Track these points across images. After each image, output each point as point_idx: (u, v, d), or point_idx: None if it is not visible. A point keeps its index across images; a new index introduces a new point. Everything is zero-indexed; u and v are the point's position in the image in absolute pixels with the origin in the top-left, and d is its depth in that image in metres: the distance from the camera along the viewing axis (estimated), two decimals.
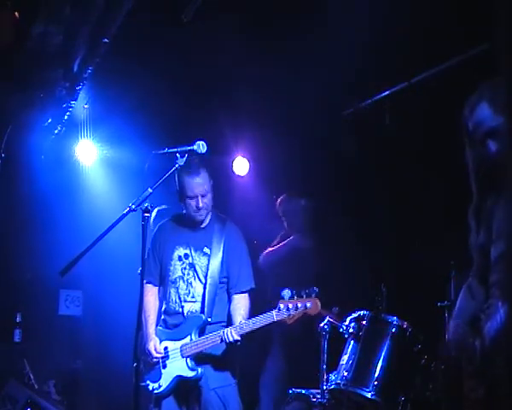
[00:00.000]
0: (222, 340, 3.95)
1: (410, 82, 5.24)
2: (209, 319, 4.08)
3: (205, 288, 4.12)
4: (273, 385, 5.44)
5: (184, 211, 4.25)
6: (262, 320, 3.92)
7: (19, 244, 6.68)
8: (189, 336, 4.05)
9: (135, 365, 3.59)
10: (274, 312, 3.88)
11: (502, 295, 2.14)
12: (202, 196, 4.10)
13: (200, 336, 4.04)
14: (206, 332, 4.06)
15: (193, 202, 4.12)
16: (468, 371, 2.29)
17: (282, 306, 3.87)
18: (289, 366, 5.52)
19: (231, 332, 3.91)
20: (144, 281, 4.14)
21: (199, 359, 4.04)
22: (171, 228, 4.35)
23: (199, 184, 4.09)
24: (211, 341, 3.99)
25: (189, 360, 4.02)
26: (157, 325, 4.23)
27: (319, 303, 3.89)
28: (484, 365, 2.18)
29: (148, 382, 4.07)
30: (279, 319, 3.87)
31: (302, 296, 3.87)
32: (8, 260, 6.55)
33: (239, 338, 3.92)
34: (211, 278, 4.12)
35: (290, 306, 3.86)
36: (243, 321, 3.99)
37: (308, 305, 3.86)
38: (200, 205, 4.11)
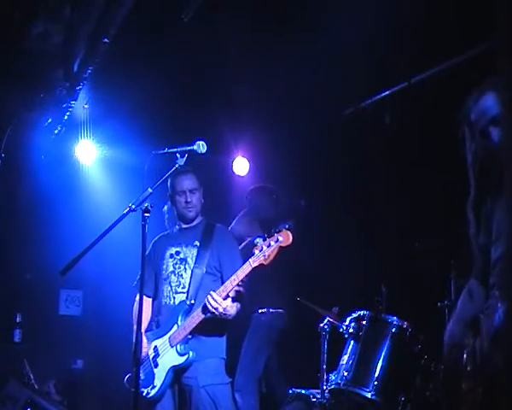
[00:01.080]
0: (206, 311, 3.92)
1: (410, 82, 5.24)
2: (192, 302, 4.06)
3: (192, 273, 4.14)
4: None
5: (175, 212, 4.36)
6: (240, 272, 3.92)
7: (19, 244, 6.69)
8: (175, 324, 4.05)
9: (130, 374, 3.63)
10: (250, 259, 3.90)
11: (501, 295, 2.15)
12: (190, 192, 4.23)
13: (185, 319, 4.03)
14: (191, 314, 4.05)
15: (182, 198, 4.25)
16: (466, 371, 2.29)
17: (256, 251, 3.90)
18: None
19: (214, 294, 3.91)
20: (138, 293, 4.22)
21: (188, 346, 4.03)
22: (163, 239, 4.45)
23: (186, 181, 4.24)
24: (196, 317, 3.97)
25: (178, 346, 4.01)
26: (147, 331, 4.22)
27: (290, 234, 3.92)
28: (483, 364, 2.18)
29: (142, 389, 4.01)
30: (256, 263, 3.89)
31: (273, 234, 3.92)
32: (8, 259, 6.55)
33: (221, 299, 3.90)
34: (198, 263, 4.15)
35: (264, 247, 3.89)
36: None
37: (280, 238, 3.90)
38: (189, 200, 4.23)
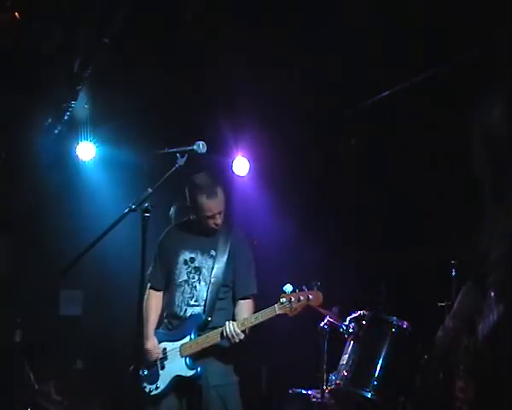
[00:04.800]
0: (222, 337, 3.94)
1: (410, 82, 5.24)
2: (209, 319, 4.07)
3: (208, 288, 4.12)
4: None
5: (193, 217, 4.27)
6: (264, 314, 3.92)
7: (19, 244, 6.69)
8: (188, 336, 4.05)
9: (133, 367, 3.65)
10: (276, 305, 3.89)
11: (496, 296, 2.16)
12: (219, 214, 4.16)
13: (199, 335, 4.04)
14: (206, 332, 4.06)
15: (211, 221, 4.16)
16: (459, 371, 2.31)
17: (284, 299, 3.87)
18: None
19: (233, 325, 3.92)
20: (148, 285, 4.26)
21: (199, 356, 4.03)
22: (176, 234, 4.37)
23: (218, 204, 4.14)
24: (211, 339, 3.99)
25: (187, 358, 4.02)
26: (158, 328, 4.24)
27: (321, 295, 3.90)
28: (475, 363, 2.20)
29: (145, 384, 4.05)
30: (281, 312, 3.88)
31: (304, 290, 3.89)
32: (8, 259, 6.55)
33: (239, 332, 3.91)
34: (214, 277, 4.13)
35: (292, 299, 3.86)
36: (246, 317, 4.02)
37: (310, 297, 3.87)
38: (218, 222, 4.17)
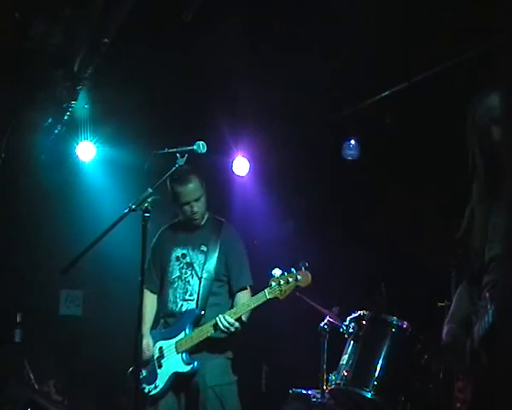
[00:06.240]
0: (216, 328, 3.96)
1: (410, 82, 5.24)
2: (202, 312, 4.08)
3: (200, 282, 4.15)
4: None
5: (180, 216, 4.33)
6: (255, 300, 3.96)
7: (19, 244, 6.69)
8: (183, 332, 4.07)
9: (132, 368, 3.66)
10: (266, 290, 3.92)
11: (491, 296, 2.16)
12: (195, 201, 4.19)
13: (194, 330, 4.05)
14: (201, 327, 4.06)
15: (188, 208, 4.21)
16: (457, 372, 2.31)
17: (273, 283, 3.90)
18: None
19: (225, 316, 3.94)
20: (144, 286, 4.25)
21: (195, 352, 4.04)
22: (168, 234, 4.42)
23: (191, 191, 4.18)
24: (205, 332, 4.01)
25: (184, 354, 4.03)
26: (155, 329, 4.24)
27: (310, 275, 3.93)
28: (472, 364, 2.20)
29: (143, 385, 4.06)
30: (271, 296, 3.91)
31: (292, 272, 3.92)
32: (8, 259, 6.55)
33: (233, 321, 3.93)
34: (206, 272, 4.16)
35: (281, 282, 3.90)
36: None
37: (299, 277, 3.91)
38: (195, 210, 4.21)
